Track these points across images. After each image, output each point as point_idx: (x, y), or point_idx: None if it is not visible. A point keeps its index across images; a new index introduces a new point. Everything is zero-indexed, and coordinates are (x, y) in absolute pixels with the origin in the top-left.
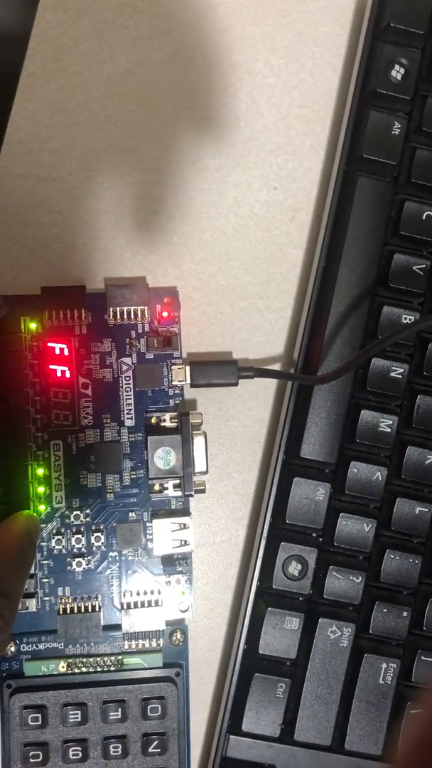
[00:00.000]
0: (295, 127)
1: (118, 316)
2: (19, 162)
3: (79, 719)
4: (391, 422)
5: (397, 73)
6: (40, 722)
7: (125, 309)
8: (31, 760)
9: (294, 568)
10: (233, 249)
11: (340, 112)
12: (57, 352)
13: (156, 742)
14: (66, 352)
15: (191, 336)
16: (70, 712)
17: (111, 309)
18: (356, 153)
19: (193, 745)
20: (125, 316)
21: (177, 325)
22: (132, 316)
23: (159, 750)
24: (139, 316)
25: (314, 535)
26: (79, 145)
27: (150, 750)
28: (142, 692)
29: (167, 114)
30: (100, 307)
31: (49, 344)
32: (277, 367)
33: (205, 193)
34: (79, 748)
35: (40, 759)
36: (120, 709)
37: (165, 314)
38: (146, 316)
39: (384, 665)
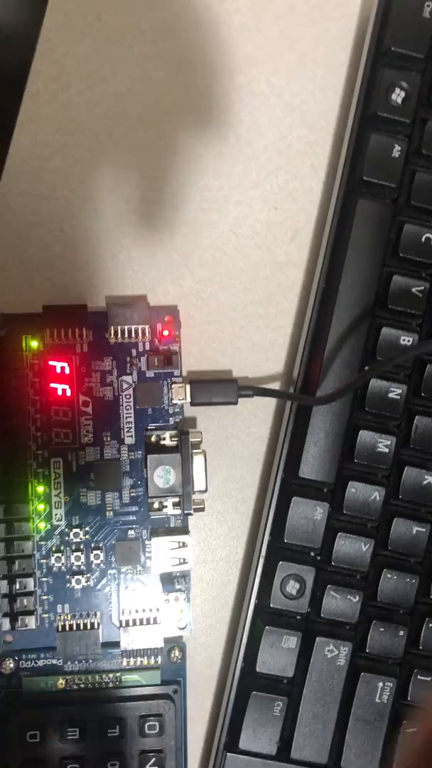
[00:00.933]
0: (296, 148)
1: (119, 335)
2: (22, 180)
3: (77, 736)
4: (389, 442)
5: (398, 96)
6: (38, 739)
7: (126, 328)
8: None
9: (292, 587)
10: (234, 268)
11: (341, 133)
12: (58, 370)
13: (153, 759)
14: (67, 371)
15: (191, 354)
16: (68, 730)
17: (112, 327)
18: (356, 175)
19: (190, 762)
20: (126, 335)
21: (177, 344)
22: (133, 335)
23: (156, 767)
24: (140, 334)
25: (312, 554)
26: (81, 164)
27: (147, 767)
28: (140, 709)
29: (169, 133)
30: (101, 326)
31: (50, 363)
32: (276, 385)
33: (206, 212)
34: (77, 766)
35: None
36: (118, 726)
37: (165, 333)
38: (147, 334)
39: (380, 684)
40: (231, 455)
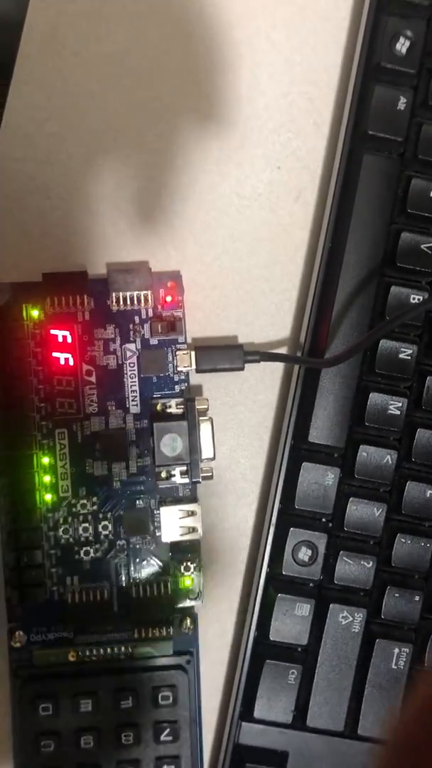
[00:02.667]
0: (298, 105)
1: (121, 302)
2: (17, 146)
3: (90, 708)
4: (400, 404)
5: (402, 46)
6: (51, 711)
7: (128, 294)
8: (43, 749)
9: (304, 554)
10: (237, 231)
11: (344, 88)
12: (60, 339)
13: (168, 730)
14: (69, 339)
15: (195, 320)
16: (81, 701)
17: (114, 294)
18: (361, 130)
19: (205, 732)
20: (128, 302)
21: (181, 310)
22: (135, 302)
23: (171, 738)
24: (143, 301)
25: (324, 520)
26: (78, 128)
27: (162, 738)
28: (152, 680)
29: (166, 93)
30: (102, 293)
31: (52, 332)
32: (283, 350)
33: (207, 174)
34: (91, 737)
35: (52, 748)
36: (131, 698)
37: (168, 299)
38: (149, 301)
39: (396, 650)
40: (238, 422)
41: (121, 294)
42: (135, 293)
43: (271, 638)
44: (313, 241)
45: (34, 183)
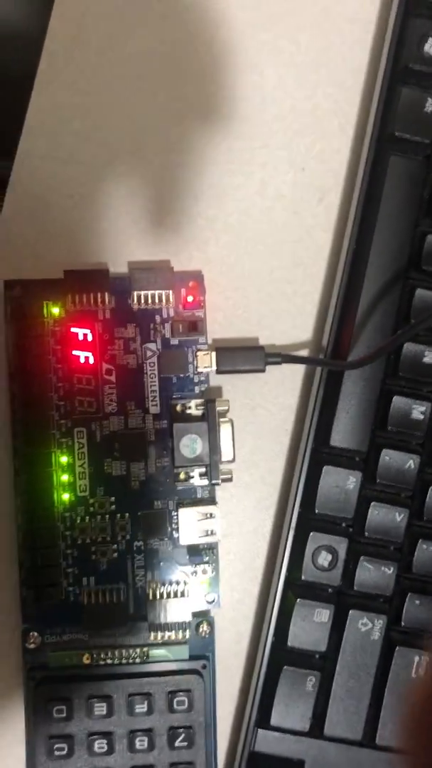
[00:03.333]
0: (323, 107)
1: (143, 301)
2: (41, 144)
3: (105, 712)
4: (424, 408)
5: (431, 47)
6: (64, 714)
7: (149, 293)
8: (56, 752)
9: (324, 559)
10: (259, 232)
11: (370, 90)
12: (80, 337)
13: (183, 736)
14: (89, 338)
15: (216, 321)
16: (96, 705)
17: (135, 293)
18: (387, 132)
19: (220, 739)
20: (149, 301)
21: (202, 310)
22: (156, 301)
23: (186, 743)
24: (164, 300)
25: (344, 524)
26: (102, 127)
27: (176, 744)
28: (168, 685)
29: (191, 94)
30: (123, 292)
31: (73, 329)
32: (304, 353)
33: (230, 174)
34: (105, 741)
35: (65, 752)
36: (146, 702)
37: (190, 299)
38: (171, 300)
39: (417, 658)
40: (258, 425)
41: (142, 293)
42: (156, 292)
43: (289, 644)
44: (336, 243)
45: (58, 181)
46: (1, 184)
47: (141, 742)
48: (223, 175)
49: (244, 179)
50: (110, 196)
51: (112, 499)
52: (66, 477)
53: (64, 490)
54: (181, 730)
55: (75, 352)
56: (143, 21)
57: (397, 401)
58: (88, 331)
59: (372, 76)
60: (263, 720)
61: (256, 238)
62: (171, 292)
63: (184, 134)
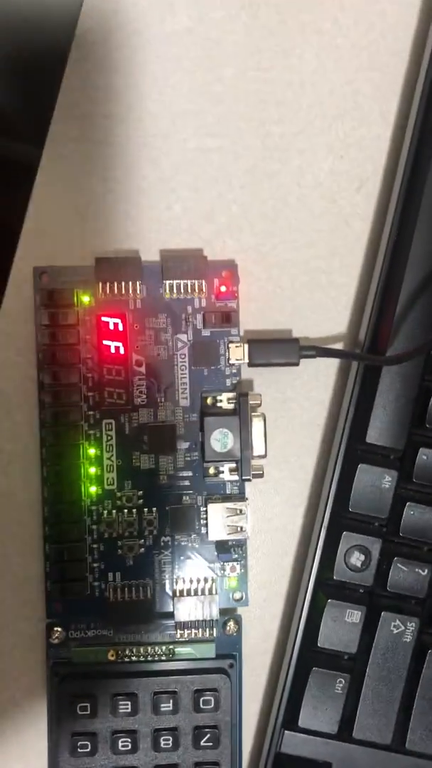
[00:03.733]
0: (364, 92)
1: (174, 290)
2: (73, 125)
3: (129, 710)
4: None
5: None
6: (88, 712)
7: (182, 283)
8: (79, 750)
9: (356, 559)
10: (295, 221)
11: (413, 75)
12: (111, 327)
13: (208, 736)
14: (120, 328)
15: (249, 313)
16: (120, 703)
17: (167, 282)
18: (431, 119)
19: (245, 738)
20: (181, 290)
21: (236, 301)
22: (189, 291)
23: (211, 744)
24: (196, 290)
25: (378, 524)
26: (136, 109)
27: (202, 744)
28: (194, 684)
29: (229, 76)
30: (155, 281)
31: (103, 318)
32: (339, 346)
33: (267, 161)
34: (129, 740)
35: (89, 749)
36: (171, 701)
37: (223, 289)
38: (203, 290)
39: None
40: (290, 420)
41: (174, 282)
42: (189, 282)
43: (319, 645)
44: (374, 233)
45: (90, 164)
46: (31, 171)
47: (165, 741)
48: (258, 161)
49: (281, 166)
50: (143, 181)
51: (140, 493)
52: (94, 470)
53: (92, 483)
54: (207, 729)
55: (105, 342)
56: (181, 0)
57: None
58: (118, 321)
59: (416, 60)
60: (290, 721)
61: (291, 227)
62: (204, 281)
63: (221, 118)
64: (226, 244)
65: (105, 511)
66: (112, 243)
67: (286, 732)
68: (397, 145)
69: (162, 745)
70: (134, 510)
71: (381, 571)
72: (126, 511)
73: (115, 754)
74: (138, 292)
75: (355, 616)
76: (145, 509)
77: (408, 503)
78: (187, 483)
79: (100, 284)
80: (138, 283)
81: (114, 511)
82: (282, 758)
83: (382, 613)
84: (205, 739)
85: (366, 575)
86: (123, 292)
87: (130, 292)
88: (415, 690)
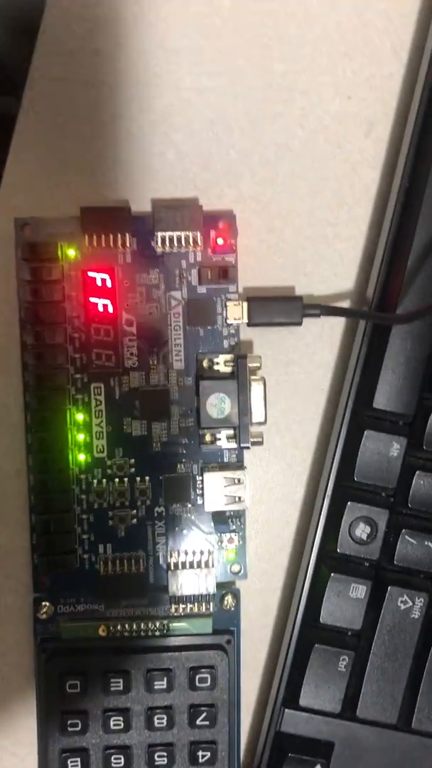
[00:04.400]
0: (375, 25)
1: (167, 243)
2: (57, 63)
3: (121, 688)
4: None
5: None
6: (78, 689)
7: (175, 235)
8: (69, 728)
9: (362, 531)
10: (299, 167)
11: (429, 5)
12: (98, 283)
13: (204, 714)
14: (108, 284)
15: (248, 268)
16: (112, 680)
17: (159, 234)
18: None
19: (243, 716)
20: (175, 243)
21: (234, 255)
22: (182, 244)
23: (207, 722)
24: (191, 243)
25: (385, 494)
26: (125, 45)
27: (198, 722)
28: (189, 660)
29: (227, 9)
30: (146, 233)
31: (90, 274)
32: (345, 305)
33: (268, 102)
34: (121, 718)
35: (79, 728)
36: (166, 679)
37: (220, 241)
38: (199, 243)
39: None
40: (292, 383)
41: (167, 234)
42: (183, 234)
43: (322, 621)
44: (384, 181)
45: (76, 106)
46: (7, 121)
47: (160, 720)
48: (259, 102)
49: (283, 107)
50: (134, 123)
51: (132, 461)
52: (82, 436)
53: (80, 450)
54: (203, 708)
55: (92, 299)
56: None
57: None
58: (106, 276)
59: None
60: (291, 700)
61: (294, 174)
62: (199, 233)
63: (219, 53)
64: (223, 192)
65: (95, 480)
66: (99, 192)
67: (286, 711)
68: (410, 85)
69: (156, 724)
70: (126, 479)
71: (388, 544)
72: (117, 480)
73: (107, 733)
74: (128, 245)
75: (359, 591)
76: (138, 478)
77: (417, 472)
78: (182, 451)
79: (87, 236)
80: (127, 235)
81: (104, 480)
82: (282, 737)
83: (389, 588)
84: (201, 718)
85: (372, 548)
86: (111, 245)
87: (119, 245)
88: (423, 668)
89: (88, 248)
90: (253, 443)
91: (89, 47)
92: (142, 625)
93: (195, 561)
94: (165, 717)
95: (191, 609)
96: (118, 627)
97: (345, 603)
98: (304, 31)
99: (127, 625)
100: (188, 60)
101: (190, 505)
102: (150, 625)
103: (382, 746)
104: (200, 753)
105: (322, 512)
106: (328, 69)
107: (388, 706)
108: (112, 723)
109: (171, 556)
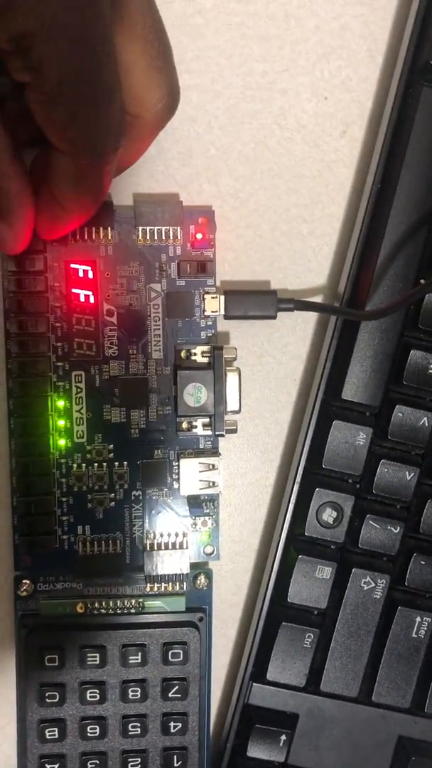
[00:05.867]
0: (352, 29)
1: (148, 237)
2: None
3: (98, 662)
4: None
5: None
6: (57, 663)
7: (155, 229)
8: (47, 700)
9: (328, 515)
10: (276, 165)
11: (404, 12)
12: (80, 274)
13: (176, 687)
14: (90, 275)
15: (226, 262)
16: (89, 655)
17: (140, 228)
18: (421, 60)
19: (213, 689)
20: (155, 237)
21: (212, 249)
22: (162, 238)
23: (179, 695)
24: (171, 237)
25: (351, 481)
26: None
27: (170, 695)
28: (163, 637)
29: (209, 8)
30: (127, 226)
31: (72, 265)
32: (319, 299)
33: (247, 100)
34: (97, 691)
35: (57, 699)
36: (140, 654)
37: (199, 236)
38: (178, 237)
39: (418, 619)
40: (265, 374)
41: (147, 228)
42: (163, 228)
43: (289, 600)
44: (358, 180)
45: None
46: None
47: (134, 693)
48: (239, 100)
49: (262, 106)
50: None
51: (111, 446)
52: (62, 422)
53: (61, 435)
54: (175, 681)
55: (74, 290)
56: None
57: (415, 355)
58: (88, 268)
59: None
60: (259, 674)
61: (272, 172)
62: (179, 228)
63: (200, 52)
64: (203, 188)
65: (74, 465)
66: None
67: (254, 684)
68: (384, 87)
69: (130, 696)
70: (104, 464)
71: (353, 528)
72: (96, 464)
73: (83, 704)
74: (109, 238)
75: (325, 572)
76: (116, 463)
77: (382, 461)
78: (159, 437)
79: None
80: (109, 228)
81: (84, 465)
82: (250, 709)
83: (353, 570)
84: (173, 691)
85: (338, 532)
86: (93, 237)
87: (101, 237)
88: (384, 645)
89: (70, 240)
90: (228, 431)
91: None
92: (119, 603)
93: (170, 542)
94: (139, 690)
95: (166, 588)
96: (96, 604)
97: (311, 583)
98: (284, 33)
99: (104, 603)
100: None
101: (166, 489)
102: (126, 602)
103: (343, 718)
104: (172, 724)
105: (292, 497)
106: (306, 70)
107: (350, 680)
108: (88, 695)
109: (147, 538)
